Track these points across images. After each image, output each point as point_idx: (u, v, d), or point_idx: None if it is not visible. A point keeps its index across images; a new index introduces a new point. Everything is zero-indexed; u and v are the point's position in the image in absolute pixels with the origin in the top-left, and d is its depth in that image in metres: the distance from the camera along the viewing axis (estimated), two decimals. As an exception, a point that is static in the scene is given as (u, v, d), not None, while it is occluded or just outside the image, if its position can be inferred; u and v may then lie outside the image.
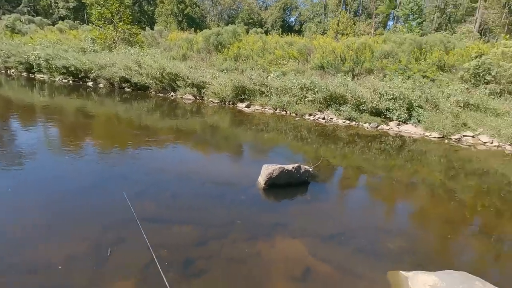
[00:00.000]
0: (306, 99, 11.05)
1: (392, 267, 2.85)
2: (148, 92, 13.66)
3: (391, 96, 9.99)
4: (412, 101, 9.98)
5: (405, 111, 9.83)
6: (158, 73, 12.99)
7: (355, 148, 7.83)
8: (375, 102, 10.06)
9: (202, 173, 5.07)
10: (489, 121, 9.24)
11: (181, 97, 12.84)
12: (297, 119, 10.48)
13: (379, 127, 9.89)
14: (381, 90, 10.22)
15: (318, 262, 2.99)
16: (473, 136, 8.99)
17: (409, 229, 4.03)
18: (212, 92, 12.22)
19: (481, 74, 11.42)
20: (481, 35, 18.93)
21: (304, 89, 11.17)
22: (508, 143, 8.53)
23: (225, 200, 4.26)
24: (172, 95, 13.25)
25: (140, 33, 20.34)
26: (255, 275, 2.82)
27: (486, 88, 11.09)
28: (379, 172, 6.32)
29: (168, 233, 3.34)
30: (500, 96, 10.97)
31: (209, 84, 12.47)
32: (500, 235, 3.95)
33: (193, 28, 26.84)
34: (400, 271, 2.72)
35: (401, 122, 9.92)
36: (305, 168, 4.71)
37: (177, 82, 12.83)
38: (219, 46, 17.49)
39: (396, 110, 9.86)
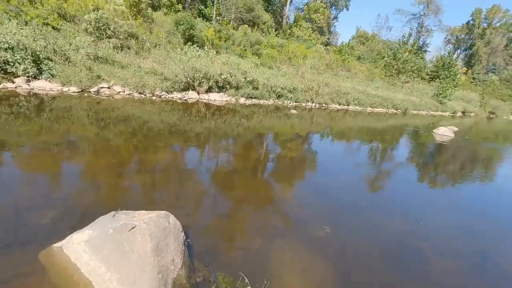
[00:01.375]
0: None
1: (44, 247, 2.50)
2: None
3: (7, 45, 7.96)
4: (38, 53, 8.67)
5: (32, 64, 8.39)
6: None
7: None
8: (-18, 53, 7.53)
9: None
10: (118, 72, 10.51)
11: None
12: None
13: (2, 86, 7.76)
14: (-13, 36, 7.75)
15: None
16: (108, 87, 9.86)
17: (63, 195, 3.74)
18: None
19: (102, 28, 12.23)
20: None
21: None
22: (135, 91, 10.38)
23: None
24: None
25: None
26: None
27: (109, 42, 12.19)
28: (22, 141, 5.11)
29: None
30: (122, 50, 12.66)
31: None
32: (148, 166, 4.83)
33: None
34: (52, 246, 2.44)
35: (31, 78, 8.43)
36: None
37: None
38: None
39: (20, 63, 8.12)
